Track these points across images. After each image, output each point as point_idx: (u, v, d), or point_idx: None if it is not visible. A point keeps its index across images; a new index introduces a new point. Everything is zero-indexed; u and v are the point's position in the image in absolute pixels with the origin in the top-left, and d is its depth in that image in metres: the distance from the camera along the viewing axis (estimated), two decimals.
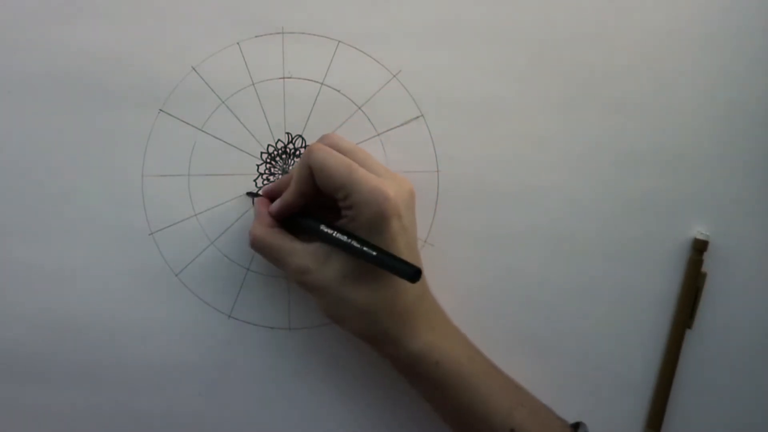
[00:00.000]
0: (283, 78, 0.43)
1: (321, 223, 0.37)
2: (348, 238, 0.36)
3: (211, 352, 0.43)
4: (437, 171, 0.43)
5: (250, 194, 0.43)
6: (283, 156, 0.43)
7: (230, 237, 0.43)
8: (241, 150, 0.43)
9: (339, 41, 0.43)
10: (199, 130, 0.43)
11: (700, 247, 0.43)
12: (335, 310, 0.38)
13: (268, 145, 0.43)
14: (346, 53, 0.43)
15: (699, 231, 0.43)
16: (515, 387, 0.40)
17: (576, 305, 0.44)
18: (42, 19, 0.42)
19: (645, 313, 0.44)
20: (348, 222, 0.37)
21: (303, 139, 0.43)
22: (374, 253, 0.35)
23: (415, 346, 0.37)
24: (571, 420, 0.40)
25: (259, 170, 0.43)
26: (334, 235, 0.36)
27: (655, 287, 0.44)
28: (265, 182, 0.43)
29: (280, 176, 0.43)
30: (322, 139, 0.39)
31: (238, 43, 0.42)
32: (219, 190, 0.43)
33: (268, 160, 0.43)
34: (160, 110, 0.42)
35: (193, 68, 0.42)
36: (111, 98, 0.42)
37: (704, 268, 0.43)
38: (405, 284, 0.37)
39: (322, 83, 0.43)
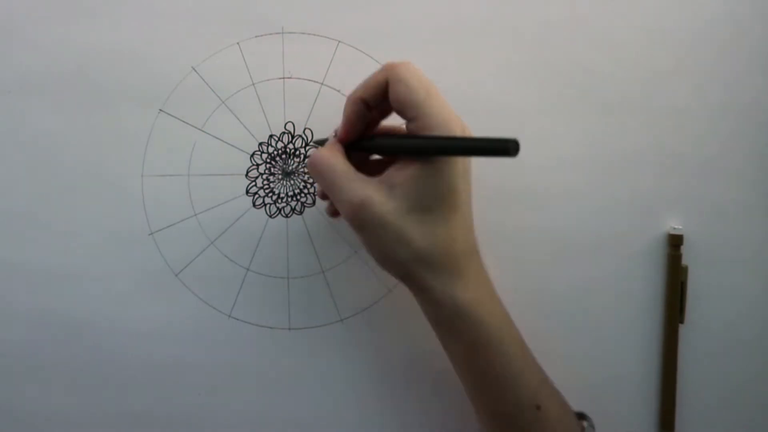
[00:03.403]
0: (283, 78, 0.43)
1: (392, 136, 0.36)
2: (426, 136, 0.34)
3: (211, 352, 0.43)
4: None
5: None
6: (283, 156, 0.43)
7: (230, 237, 0.43)
8: (242, 150, 0.43)
9: (339, 41, 0.43)
10: (199, 130, 0.43)
11: (675, 242, 0.43)
12: (389, 249, 0.35)
13: (260, 143, 0.43)
14: (346, 53, 0.43)
15: (672, 227, 0.43)
16: (539, 366, 0.39)
17: (571, 306, 0.43)
18: (42, 19, 0.42)
19: (635, 313, 0.43)
20: None
21: (303, 138, 0.43)
22: (463, 140, 0.33)
23: (463, 297, 0.35)
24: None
25: (259, 170, 0.43)
26: (412, 138, 0.35)
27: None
28: (265, 182, 0.43)
29: (280, 176, 0.43)
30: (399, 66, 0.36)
31: (238, 43, 0.42)
32: (219, 190, 0.43)
33: (268, 160, 0.43)
34: (160, 110, 0.42)
35: (193, 68, 0.42)
36: (111, 98, 0.42)
37: (684, 261, 0.43)
38: (464, 228, 0.36)
39: (322, 83, 0.43)
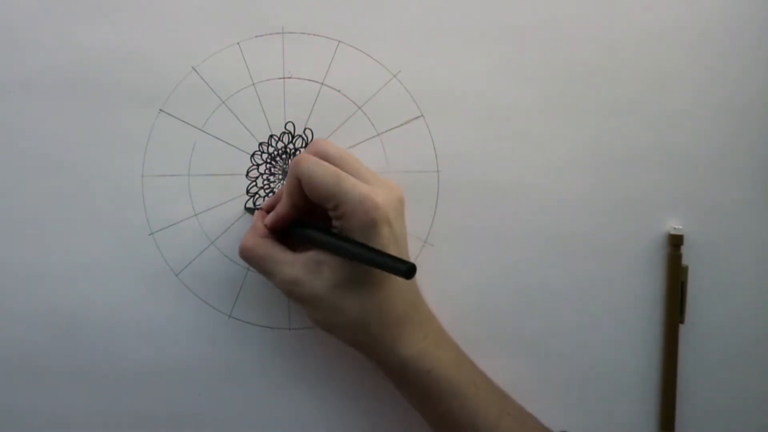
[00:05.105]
0: (283, 78, 0.43)
1: (313, 229, 0.37)
2: (340, 239, 0.36)
3: (211, 352, 0.43)
4: (437, 171, 0.43)
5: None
6: (284, 156, 0.43)
7: (230, 237, 0.43)
8: (242, 150, 0.43)
9: (339, 41, 0.43)
10: (199, 130, 0.43)
11: (676, 242, 0.43)
12: (327, 320, 0.37)
13: (260, 143, 0.43)
14: (346, 53, 0.43)
15: (672, 227, 0.43)
16: (502, 395, 0.40)
17: (571, 306, 0.43)
18: (42, 19, 0.42)
19: (635, 313, 0.44)
20: (338, 232, 0.37)
21: (304, 138, 0.43)
22: (367, 252, 0.34)
23: (407, 353, 0.37)
24: (558, 428, 0.41)
25: (260, 170, 0.43)
26: (325, 237, 0.36)
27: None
28: (266, 182, 0.43)
29: (280, 176, 0.43)
30: (311, 147, 0.39)
31: (238, 43, 0.42)
32: (219, 190, 0.43)
33: (268, 160, 0.43)
34: (160, 110, 0.42)
35: (193, 68, 0.42)
36: (111, 98, 0.42)
37: (684, 261, 0.43)
38: (397, 291, 0.37)
39: (322, 83, 0.43)
